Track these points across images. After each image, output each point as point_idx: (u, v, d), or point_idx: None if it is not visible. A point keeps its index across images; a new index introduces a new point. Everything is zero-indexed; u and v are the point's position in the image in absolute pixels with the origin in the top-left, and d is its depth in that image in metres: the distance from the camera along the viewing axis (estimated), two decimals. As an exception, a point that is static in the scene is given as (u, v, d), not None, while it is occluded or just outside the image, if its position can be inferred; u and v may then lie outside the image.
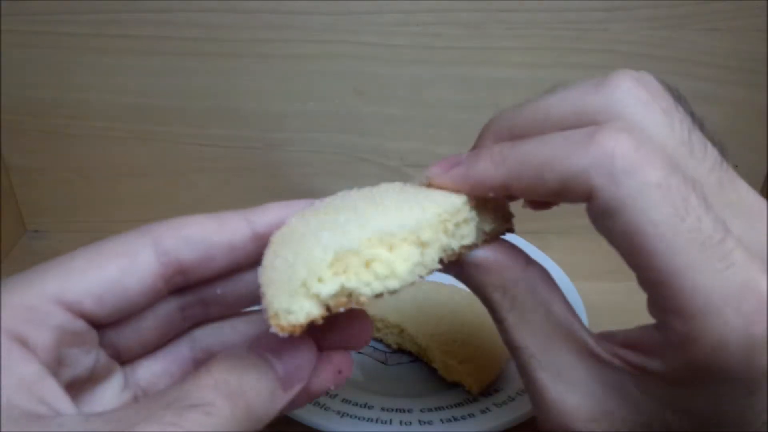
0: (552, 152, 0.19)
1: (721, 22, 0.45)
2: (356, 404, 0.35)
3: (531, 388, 0.21)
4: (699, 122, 0.21)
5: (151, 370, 0.21)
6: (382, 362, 0.40)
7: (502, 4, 0.45)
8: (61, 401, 0.17)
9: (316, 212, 0.21)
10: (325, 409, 0.34)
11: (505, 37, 0.46)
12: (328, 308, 0.18)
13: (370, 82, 0.48)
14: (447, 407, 0.35)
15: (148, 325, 0.21)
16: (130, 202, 0.52)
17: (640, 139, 0.18)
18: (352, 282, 0.19)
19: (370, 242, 0.19)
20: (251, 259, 0.21)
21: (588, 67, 0.47)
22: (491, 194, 0.21)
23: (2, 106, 0.47)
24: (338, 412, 0.34)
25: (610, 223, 0.18)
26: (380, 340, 0.41)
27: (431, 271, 0.21)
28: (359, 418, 0.33)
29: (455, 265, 0.22)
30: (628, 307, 0.43)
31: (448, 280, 0.44)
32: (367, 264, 0.19)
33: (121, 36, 0.45)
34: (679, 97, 0.21)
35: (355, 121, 0.49)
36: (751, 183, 0.20)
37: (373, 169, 0.52)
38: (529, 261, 0.22)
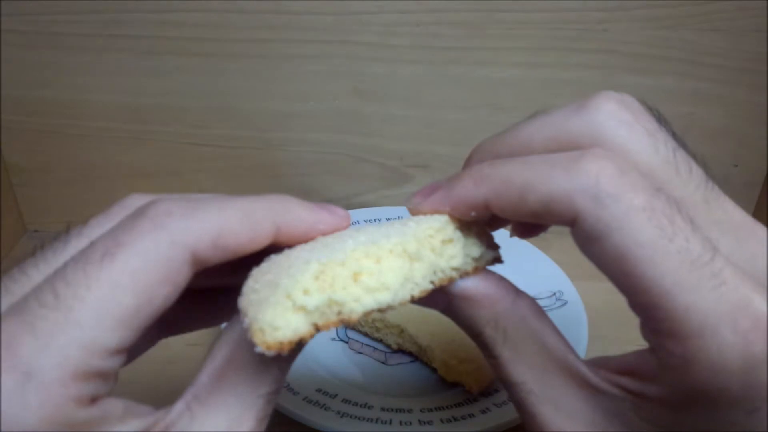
0: (534, 174, 0.19)
1: (721, 22, 0.45)
2: (356, 404, 0.35)
3: (530, 423, 0.21)
4: (682, 143, 0.21)
5: None
6: (382, 362, 0.40)
7: (502, 4, 0.45)
8: None
9: (300, 247, 0.20)
10: (325, 409, 0.34)
11: (505, 37, 0.46)
12: (316, 327, 0.18)
13: (370, 82, 0.48)
14: (447, 407, 0.35)
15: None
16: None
17: (623, 164, 0.18)
18: (339, 294, 0.18)
19: (356, 254, 0.18)
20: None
21: (588, 67, 0.47)
22: (473, 214, 0.20)
23: (2, 106, 0.48)
24: (338, 412, 0.34)
25: (597, 247, 0.18)
26: (380, 340, 0.41)
27: (423, 292, 0.20)
28: (359, 418, 0.33)
29: (443, 297, 0.21)
30: (628, 307, 0.43)
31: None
32: (355, 277, 0.18)
33: (121, 36, 0.45)
34: (660, 119, 0.21)
35: (355, 121, 0.49)
36: (751, 183, 0.20)
37: (373, 169, 0.52)
38: (517, 292, 0.21)
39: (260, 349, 0.17)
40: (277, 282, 0.17)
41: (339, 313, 0.18)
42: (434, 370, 0.37)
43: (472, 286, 0.21)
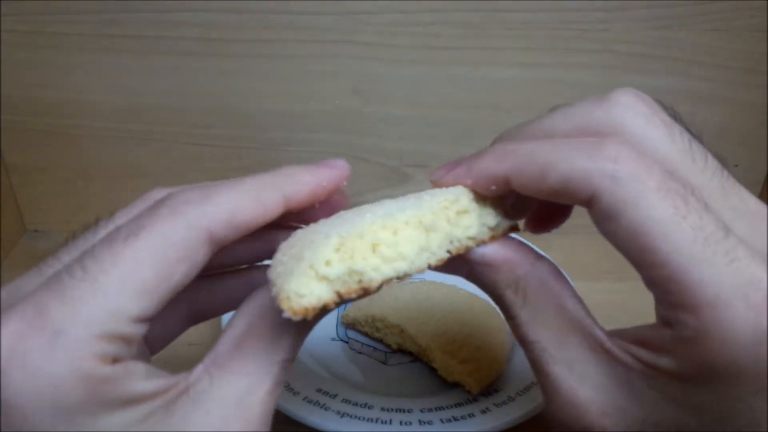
0: (556, 153, 0.20)
1: (721, 22, 0.45)
2: (356, 404, 0.35)
3: (543, 382, 0.21)
4: (697, 136, 0.22)
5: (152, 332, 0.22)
6: (382, 362, 0.40)
7: (502, 4, 0.45)
8: None
9: (323, 222, 0.22)
10: (325, 409, 0.34)
11: (505, 37, 0.46)
12: (339, 295, 0.19)
13: (370, 82, 0.48)
14: (447, 407, 0.35)
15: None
16: (130, 202, 0.52)
17: (640, 151, 0.19)
18: (359, 264, 0.19)
19: (374, 226, 0.19)
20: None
21: (588, 67, 0.47)
22: (493, 188, 0.21)
23: (2, 106, 0.48)
24: (338, 412, 0.34)
25: (613, 225, 0.19)
26: (380, 340, 0.41)
27: (440, 261, 0.21)
28: (359, 418, 0.33)
29: (465, 264, 0.22)
30: (628, 307, 0.43)
31: (449, 280, 0.44)
32: (374, 248, 0.19)
33: (121, 36, 0.45)
34: (675, 115, 0.22)
35: (355, 121, 0.49)
36: (751, 183, 0.21)
37: (373, 169, 0.52)
38: (537, 257, 0.22)
39: (287, 314, 0.18)
40: (302, 255, 0.19)
41: (359, 281, 0.19)
42: (434, 370, 0.37)
43: (491, 252, 0.22)
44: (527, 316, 0.21)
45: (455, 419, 0.34)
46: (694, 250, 0.17)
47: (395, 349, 0.40)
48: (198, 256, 0.19)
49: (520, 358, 0.38)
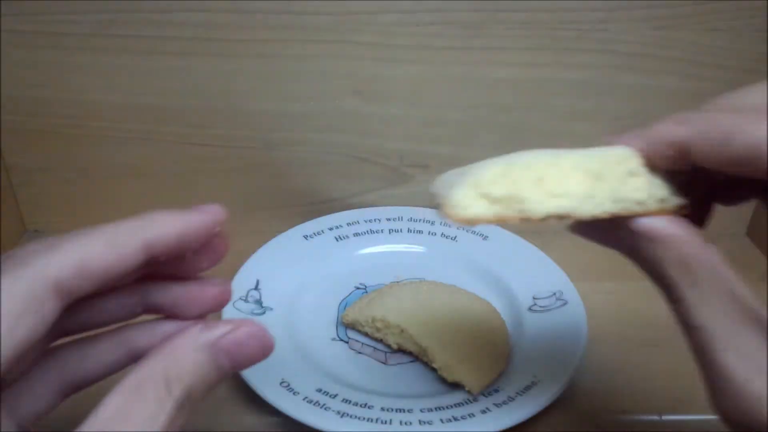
0: (744, 120, 0.19)
1: (721, 22, 0.45)
2: (356, 404, 0.35)
3: (710, 372, 0.20)
4: None
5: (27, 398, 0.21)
6: (382, 362, 0.40)
7: (502, 4, 0.45)
8: None
9: None
10: (325, 409, 0.34)
11: (505, 37, 0.46)
12: (498, 218, 0.19)
13: (370, 82, 0.48)
14: (447, 407, 0.35)
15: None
16: (130, 202, 0.52)
17: None
18: (523, 192, 0.19)
19: (541, 162, 0.19)
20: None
21: (588, 67, 0.47)
22: (669, 153, 0.20)
23: (2, 106, 0.47)
24: (338, 412, 0.34)
25: None
26: (380, 340, 0.41)
27: (604, 214, 0.20)
28: (359, 418, 0.33)
29: (629, 235, 0.21)
30: (628, 307, 0.43)
31: (449, 280, 0.44)
32: (539, 182, 0.19)
33: (121, 36, 0.45)
34: None
35: (355, 121, 0.49)
36: (751, 183, 0.20)
37: (373, 169, 0.52)
38: (706, 240, 0.21)
39: (449, 220, 0.19)
40: (467, 173, 0.19)
41: (521, 210, 0.19)
42: (434, 370, 0.37)
43: (659, 224, 0.20)
44: (696, 298, 0.20)
45: (455, 419, 0.34)
46: None
47: (395, 349, 0.40)
48: (45, 309, 0.18)
49: (520, 358, 0.38)
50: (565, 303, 0.41)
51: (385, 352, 0.40)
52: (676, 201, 0.21)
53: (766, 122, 0.18)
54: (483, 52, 0.47)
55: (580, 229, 0.23)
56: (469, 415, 0.34)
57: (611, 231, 0.20)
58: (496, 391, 0.36)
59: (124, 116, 0.49)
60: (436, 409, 0.35)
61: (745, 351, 0.19)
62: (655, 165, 0.21)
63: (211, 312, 0.23)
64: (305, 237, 0.48)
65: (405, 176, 0.52)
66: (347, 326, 0.42)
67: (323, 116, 0.49)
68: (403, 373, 0.39)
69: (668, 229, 0.20)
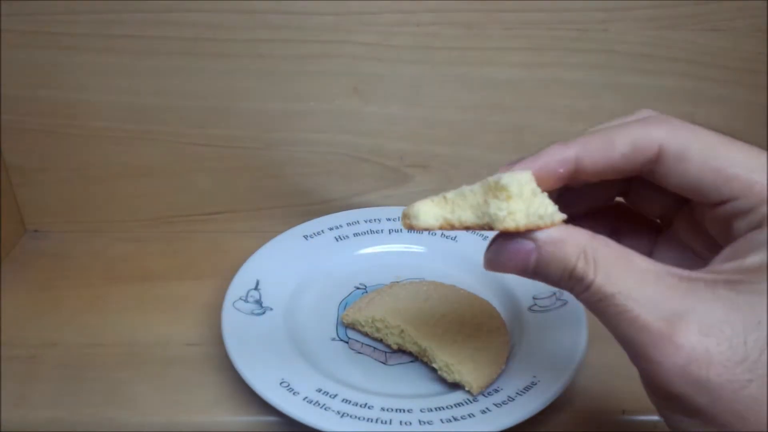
0: (617, 126, 0.23)
1: (721, 22, 0.45)
2: (356, 404, 0.35)
3: (633, 331, 0.21)
4: None
5: None
6: (382, 362, 0.40)
7: (502, 4, 0.45)
8: None
9: None
10: (325, 409, 0.34)
11: (505, 37, 0.46)
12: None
13: (370, 82, 0.48)
14: (447, 407, 0.35)
15: None
16: (130, 202, 0.52)
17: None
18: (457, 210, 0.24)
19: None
20: None
21: (588, 67, 0.47)
22: (560, 170, 0.23)
23: (2, 106, 0.48)
24: (338, 412, 0.34)
25: (683, 165, 0.22)
26: (380, 340, 0.41)
27: (515, 227, 0.22)
28: (359, 418, 0.33)
29: (529, 253, 0.23)
30: (628, 307, 0.43)
31: (449, 280, 0.44)
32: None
33: (121, 36, 0.45)
34: None
35: (355, 121, 0.49)
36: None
37: (373, 169, 0.52)
38: (593, 232, 0.23)
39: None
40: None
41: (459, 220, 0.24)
42: (434, 370, 0.37)
43: (555, 231, 0.23)
44: (602, 277, 0.21)
45: (455, 419, 0.34)
46: (756, 163, 0.23)
47: (395, 349, 0.40)
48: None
49: (520, 358, 0.38)
50: (565, 303, 0.41)
51: (385, 352, 0.40)
52: (561, 216, 0.23)
53: (635, 123, 0.23)
54: (483, 52, 0.47)
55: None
56: (469, 415, 0.34)
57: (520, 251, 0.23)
58: (496, 391, 0.36)
59: (124, 116, 0.49)
60: (436, 409, 0.35)
61: (657, 300, 0.20)
62: (548, 186, 0.24)
63: None
64: (305, 237, 0.48)
65: (405, 176, 0.52)
66: (347, 326, 0.42)
67: (323, 116, 0.49)
68: (403, 373, 0.39)
69: (561, 231, 0.23)
